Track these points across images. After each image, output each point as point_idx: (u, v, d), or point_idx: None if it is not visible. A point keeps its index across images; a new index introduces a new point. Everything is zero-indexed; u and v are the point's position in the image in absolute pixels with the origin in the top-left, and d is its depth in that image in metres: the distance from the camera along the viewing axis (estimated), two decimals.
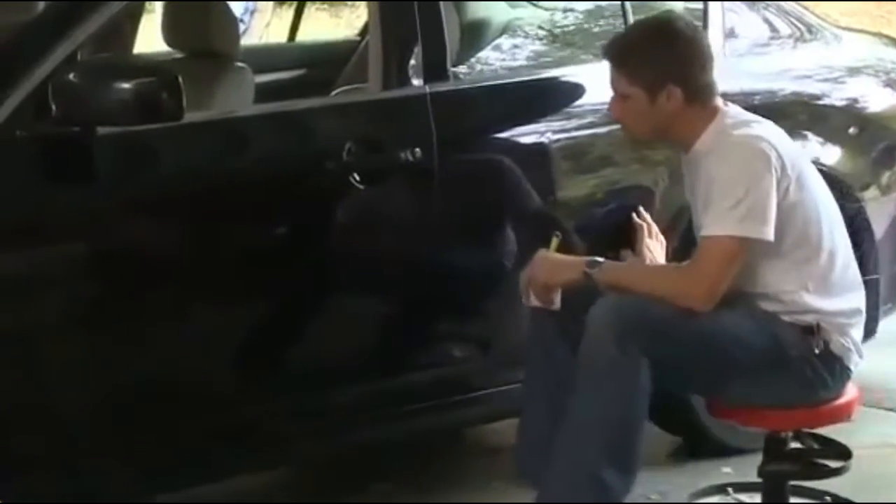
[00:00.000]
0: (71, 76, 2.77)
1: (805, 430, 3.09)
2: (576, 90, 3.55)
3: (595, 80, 3.54)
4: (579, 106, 3.51)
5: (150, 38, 4.22)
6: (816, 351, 2.94)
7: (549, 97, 3.55)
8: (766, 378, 2.94)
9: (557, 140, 3.47)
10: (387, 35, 3.28)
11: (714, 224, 2.87)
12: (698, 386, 3.08)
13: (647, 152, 3.53)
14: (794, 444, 3.09)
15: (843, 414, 3.06)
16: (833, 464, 3.08)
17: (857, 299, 3.05)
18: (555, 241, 3.04)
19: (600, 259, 2.96)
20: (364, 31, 4.46)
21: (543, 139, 3.45)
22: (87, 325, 2.87)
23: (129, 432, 2.93)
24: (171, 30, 3.73)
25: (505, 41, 4.05)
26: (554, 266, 3.00)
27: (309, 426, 3.18)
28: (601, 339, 2.81)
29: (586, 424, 2.84)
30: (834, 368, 2.99)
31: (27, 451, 2.82)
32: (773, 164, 2.86)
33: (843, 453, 3.08)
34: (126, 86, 2.74)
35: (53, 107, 2.74)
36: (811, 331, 2.94)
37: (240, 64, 3.68)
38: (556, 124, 3.50)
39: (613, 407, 2.82)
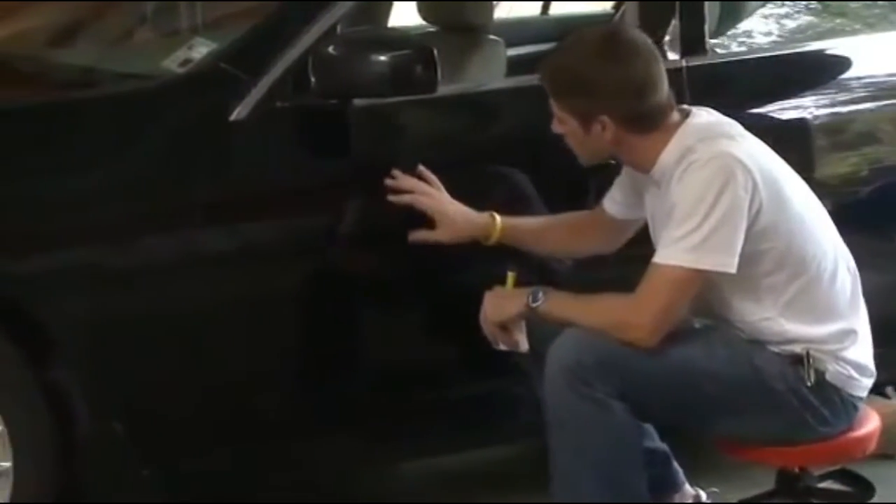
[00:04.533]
0: (330, 49, 2.81)
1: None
2: (840, 63, 3.40)
3: (862, 53, 3.41)
4: (844, 80, 3.36)
5: (405, 13, 4.27)
6: (808, 384, 2.64)
7: (811, 71, 3.41)
8: (749, 414, 2.65)
9: (818, 116, 3.32)
10: (643, 8, 3.24)
11: (663, 251, 2.59)
12: (680, 423, 2.74)
13: None
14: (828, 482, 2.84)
15: (857, 449, 2.76)
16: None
17: (851, 321, 2.71)
18: (510, 278, 2.81)
19: (547, 288, 2.72)
20: (619, 4, 4.40)
21: (804, 115, 3.31)
22: (333, 295, 2.91)
23: (370, 401, 2.97)
24: (426, 4, 3.76)
25: (769, 11, 3.92)
26: (498, 302, 2.76)
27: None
28: (558, 386, 2.57)
29: (573, 480, 2.61)
30: (833, 401, 2.67)
31: (275, 416, 2.89)
32: (740, 185, 2.54)
33: (865, 490, 2.80)
34: (382, 58, 2.76)
35: (312, 79, 2.79)
36: (800, 361, 2.64)
37: (493, 37, 3.68)
38: (818, 99, 3.35)
39: (592, 456, 2.58)
